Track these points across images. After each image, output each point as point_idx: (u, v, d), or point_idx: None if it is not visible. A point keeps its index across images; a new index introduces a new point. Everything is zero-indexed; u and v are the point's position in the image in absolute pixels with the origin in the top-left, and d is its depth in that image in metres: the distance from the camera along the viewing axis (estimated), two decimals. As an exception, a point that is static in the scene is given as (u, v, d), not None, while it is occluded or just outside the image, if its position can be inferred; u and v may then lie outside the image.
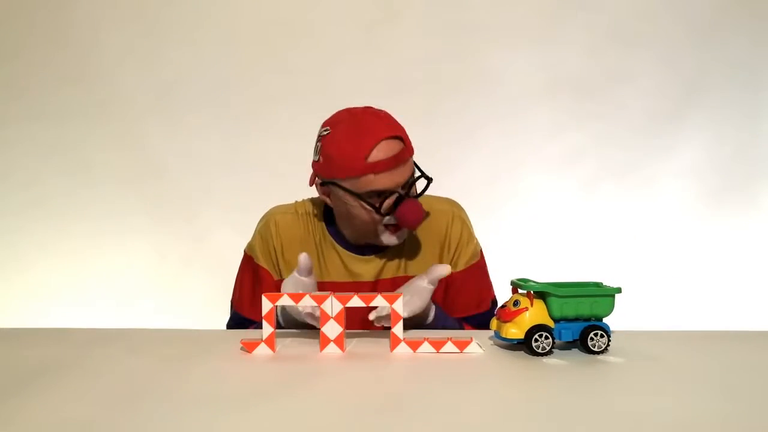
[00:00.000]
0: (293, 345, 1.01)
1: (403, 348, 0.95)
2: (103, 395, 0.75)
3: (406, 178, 1.16)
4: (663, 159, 2.55)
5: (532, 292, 0.92)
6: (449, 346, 0.94)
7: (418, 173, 1.21)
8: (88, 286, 2.49)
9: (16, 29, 2.59)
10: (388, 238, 1.19)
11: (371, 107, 1.21)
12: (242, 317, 1.28)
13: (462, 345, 0.94)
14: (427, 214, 1.25)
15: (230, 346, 0.99)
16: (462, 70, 2.54)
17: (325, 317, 0.96)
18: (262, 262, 1.27)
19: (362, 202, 1.15)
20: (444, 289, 1.27)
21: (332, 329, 0.96)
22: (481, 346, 0.94)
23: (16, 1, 2.58)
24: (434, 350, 0.94)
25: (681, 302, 2.38)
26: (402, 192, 1.15)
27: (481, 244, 1.34)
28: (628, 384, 0.80)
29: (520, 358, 0.90)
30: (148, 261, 2.51)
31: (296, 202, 1.33)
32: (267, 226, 1.28)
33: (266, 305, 0.97)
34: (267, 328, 0.96)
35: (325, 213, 1.29)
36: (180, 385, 0.81)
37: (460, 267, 1.28)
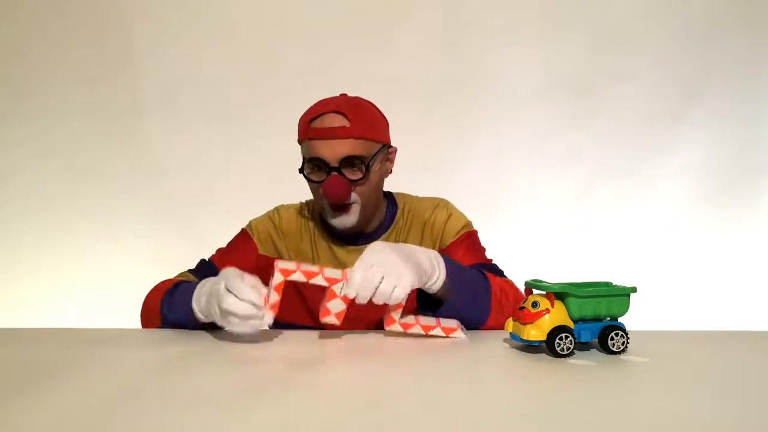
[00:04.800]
0: (293, 343, 1.01)
1: (395, 328, 1.01)
2: (103, 395, 0.74)
3: (343, 153, 1.18)
4: (663, 159, 2.57)
5: (552, 293, 0.91)
6: (438, 331, 0.99)
7: (372, 156, 1.22)
8: (89, 287, 2.47)
9: (16, 30, 2.55)
10: (333, 218, 1.24)
11: (358, 97, 1.27)
12: (209, 264, 1.31)
13: (448, 331, 1.00)
14: (414, 209, 1.34)
15: (230, 346, 0.98)
16: (462, 71, 2.55)
17: (332, 294, 0.99)
18: (255, 237, 1.33)
19: (304, 170, 1.23)
20: None
21: (336, 305, 0.99)
22: (464, 331, 0.99)
23: (16, 1, 2.53)
24: (423, 332, 0.99)
25: (681, 302, 2.41)
26: (335, 165, 1.18)
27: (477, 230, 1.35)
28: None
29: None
30: (148, 262, 2.48)
31: (301, 202, 1.40)
32: (275, 214, 1.37)
33: (278, 277, 0.98)
34: (274, 295, 0.98)
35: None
36: (180, 385, 0.79)
37: (449, 239, 1.31)
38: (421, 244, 1.31)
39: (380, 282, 0.96)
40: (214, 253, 1.35)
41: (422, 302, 1.13)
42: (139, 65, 2.57)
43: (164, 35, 2.57)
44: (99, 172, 2.59)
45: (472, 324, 1.10)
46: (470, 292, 1.09)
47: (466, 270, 1.13)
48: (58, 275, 2.54)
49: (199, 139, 2.56)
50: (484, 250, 1.34)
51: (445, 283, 1.06)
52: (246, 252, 1.32)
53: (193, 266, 1.33)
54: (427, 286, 1.05)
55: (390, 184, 1.35)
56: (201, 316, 1.05)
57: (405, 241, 1.32)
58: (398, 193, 1.41)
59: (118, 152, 2.58)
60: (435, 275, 1.04)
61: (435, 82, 2.54)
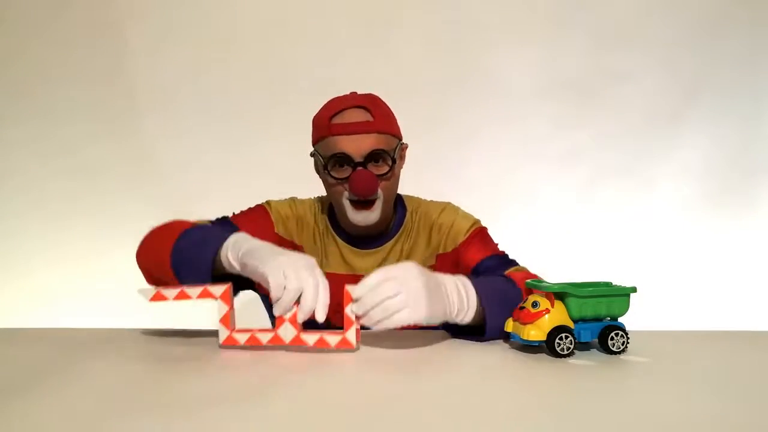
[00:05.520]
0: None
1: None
2: (102, 395, 0.74)
3: (368, 147, 1.17)
4: (663, 159, 2.56)
5: (552, 293, 0.91)
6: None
7: (392, 149, 1.22)
8: (89, 286, 2.47)
9: (17, 30, 2.55)
10: (353, 215, 1.21)
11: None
12: (230, 223, 1.26)
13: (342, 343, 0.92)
14: (422, 212, 1.33)
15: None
16: (462, 71, 2.54)
17: (280, 320, 0.93)
18: (273, 215, 1.30)
19: (327, 167, 1.19)
20: (454, 265, 1.28)
21: (287, 331, 0.93)
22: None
23: (16, 1, 2.54)
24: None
25: (681, 302, 2.41)
26: (360, 160, 1.17)
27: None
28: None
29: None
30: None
31: (310, 198, 1.39)
32: (292, 202, 1.34)
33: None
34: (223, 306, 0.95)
35: (330, 208, 1.34)
36: (181, 385, 0.79)
37: (460, 238, 1.28)
38: (428, 246, 1.30)
39: (392, 296, 0.89)
40: (229, 215, 1.30)
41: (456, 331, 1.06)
42: (140, 65, 2.57)
43: (164, 35, 2.57)
44: (99, 172, 2.59)
45: None
46: (505, 308, 1.00)
47: (494, 283, 1.06)
48: (57, 275, 2.54)
49: (199, 140, 2.56)
50: (496, 244, 1.32)
51: (477, 312, 1.00)
52: (264, 226, 1.28)
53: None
54: (458, 320, 0.99)
55: (391, 185, 1.34)
56: (235, 265, 0.99)
57: (414, 244, 1.31)
58: (406, 196, 1.39)
59: (118, 152, 2.58)
60: (464, 309, 0.98)
61: (435, 83, 2.53)
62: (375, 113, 1.19)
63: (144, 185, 2.56)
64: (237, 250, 1.00)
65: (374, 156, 1.18)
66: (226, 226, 1.24)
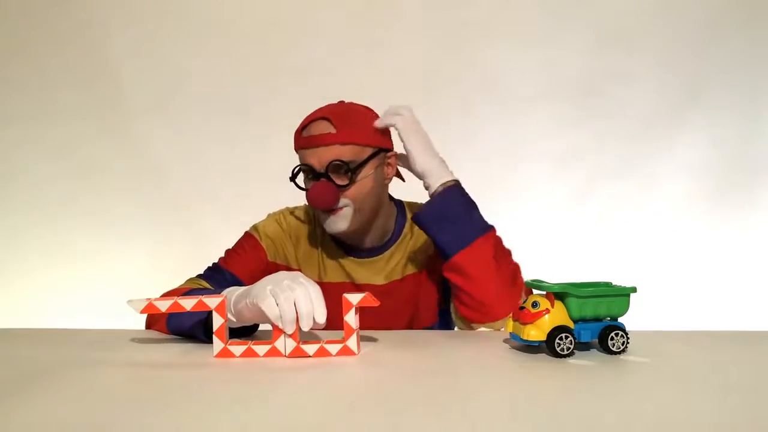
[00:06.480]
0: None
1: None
2: (102, 396, 0.74)
3: (327, 159, 1.17)
4: (663, 159, 2.57)
5: (552, 293, 0.91)
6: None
7: (362, 160, 1.20)
8: (88, 288, 2.47)
9: (17, 30, 2.56)
10: (326, 224, 1.22)
11: (352, 103, 1.26)
12: (220, 269, 1.27)
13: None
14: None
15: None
16: (462, 71, 2.55)
17: (277, 332, 0.92)
18: (263, 243, 1.30)
19: (294, 178, 1.23)
20: None
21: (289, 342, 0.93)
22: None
23: (16, 2, 2.54)
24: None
25: (681, 302, 2.41)
26: (322, 171, 1.17)
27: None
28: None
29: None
30: (148, 262, 2.49)
31: (305, 204, 1.36)
32: (281, 218, 1.34)
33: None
34: (218, 319, 0.93)
35: None
36: (180, 385, 0.79)
37: None
38: (428, 256, 1.28)
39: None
40: (222, 256, 1.31)
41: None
42: (140, 64, 2.58)
43: (164, 35, 2.57)
44: (99, 172, 2.59)
45: (452, 249, 1.15)
46: (459, 217, 1.18)
47: (474, 210, 1.21)
48: (57, 275, 2.54)
49: (199, 139, 2.57)
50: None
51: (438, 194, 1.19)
52: (255, 258, 1.28)
53: (194, 271, 1.29)
54: (430, 180, 1.21)
55: (390, 186, 1.33)
56: (234, 319, 0.98)
57: (414, 254, 1.29)
58: (409, 203, 1.37)
59: (118, 152, 2.59)
60: (433, 179, 1.21)
61: (436, 83, 2.53)
62: (338, 124, 1.18)
63: (143, 185, 2.57)
64: (228, 307, 0.98)
65: (335, 167, 1.18)
66: (217, 274, 1.26)
